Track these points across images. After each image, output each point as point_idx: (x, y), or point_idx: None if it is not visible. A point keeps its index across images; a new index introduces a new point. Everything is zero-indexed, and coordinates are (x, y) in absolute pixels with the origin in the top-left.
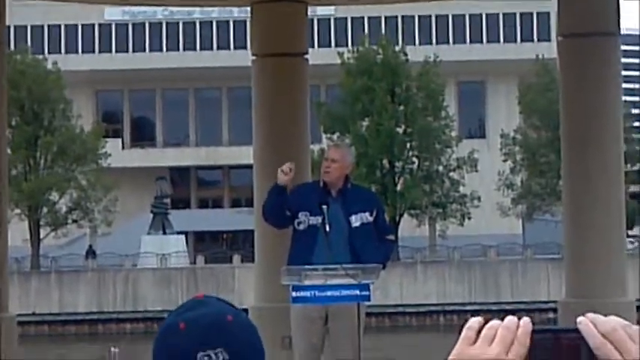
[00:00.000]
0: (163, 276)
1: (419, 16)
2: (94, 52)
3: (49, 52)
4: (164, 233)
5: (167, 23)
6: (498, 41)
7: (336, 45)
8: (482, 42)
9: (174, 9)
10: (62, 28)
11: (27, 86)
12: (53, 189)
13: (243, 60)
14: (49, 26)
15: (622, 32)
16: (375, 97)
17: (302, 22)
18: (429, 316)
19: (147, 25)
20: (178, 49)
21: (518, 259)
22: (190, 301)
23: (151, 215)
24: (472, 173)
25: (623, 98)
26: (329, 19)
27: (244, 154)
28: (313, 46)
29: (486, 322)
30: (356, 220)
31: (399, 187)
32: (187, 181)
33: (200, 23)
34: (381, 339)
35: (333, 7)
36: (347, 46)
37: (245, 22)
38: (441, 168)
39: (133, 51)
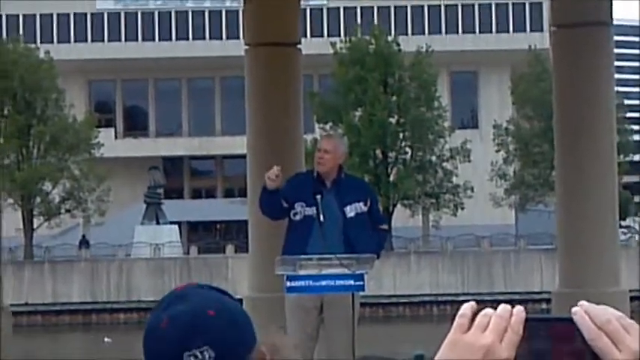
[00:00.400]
0: (157, 266)
1: (411, 6)
2: (86, 41)
3: (41, 42)
4: (157, 223)
5: (159, 13)
6: (491, 31)
7: (329, 35)
8: (474, 32)
9: None
10: (54, 17)
11: (19, 75)
12: (46, 179)
13: (236, 50)
14: (41, 15)
15: (615, 23)
16: (367, 87)
17: (295, 11)
18: (423, 306)
19: (139, 15)
20: (171, 39)
21: (512, 250)
22: (170, 295)
23: (144, 205)
24: (465, 163)
25: (616, 89)
26: (321, 9)
27: (237, 144)
28: (306, 36)
29: (479, 309)
30: (350, 211)
31: (392, 178)
32: (180, 171)
33: (192, 13)
34: (374, 329)
35: None
36: (339, 36)
37: (237, 11)
38: (434, 158)
39: (126, 40)
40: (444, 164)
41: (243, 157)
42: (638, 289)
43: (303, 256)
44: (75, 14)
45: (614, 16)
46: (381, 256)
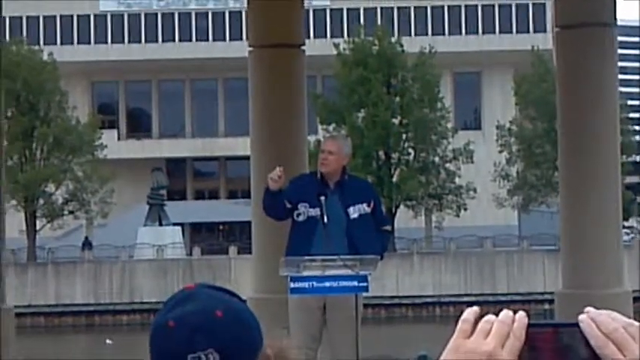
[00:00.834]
0: (160, 267)
1: (414, 7)
2: (89, 43)
3: (44, 43)
4: (160, 224)
5: (163, 14)
6: (494, 32)
7: (332, 36)
8: (478, 33)
9: (170, 0)
10: (58, 18)
11: (22, 77)
12: (49, 180)
13: (239, 51)
14: (44, 17)
15: (618, 23)
16: (370, 88)
17: (298, 13)
18: (425, 307)
19: (142, 16)
20: (174, 40)
21: (514, 251)
22: (180, 294)
23: (147, 206)
24: (468, 164)
25: (619, 89)
26: (324, 10)
27: (240, 146)
28: (309, 37)
29: (482, 315)
30: (354, 212)
31: (394, 179)
32: (183, 172)
33: (196, 14)
34: (377, 330)
35: None
36: (342, 37)
37: (240, 12)
38: (437, 159)
39: (129, 42)
40: (447, 165)
41: (247, 158)
42: None
43: (306, 257)
44: (78, 16)
45: (618, 16)
46: (384, 257)
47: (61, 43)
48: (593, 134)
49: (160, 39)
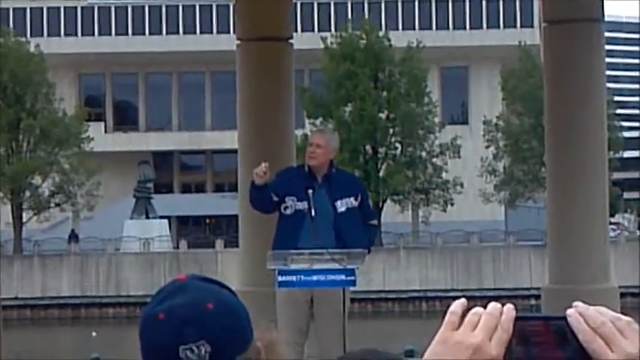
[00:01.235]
0: (146, 260)
1: (402, 2)
2: (76, 35)
3: (31, 35)
4: (147, 218)
5: (150, 7)
6: (481, 27)
7: (319, 30)
8: (465, 28)
9: None
10: (45, 10)
11: (9, 69)
12: (36, 172)
13: (226, 44)
14: (31, 9)
15: (606, 19)
16: (358, 82)
17: (286, 6)
18: (412, 302)
19: (129, 9)
20: (161, 33)
21: (501, 246)
22: (170, 286)
23: (134, 199)
24: (455, 159)
25: (607, 85)
26: (312, 4)
27: (227, 139)
28: (296, 31)
29: (469, 307)
30: (341, 205)
31: (381, 173)
32: (170, 165)
33: (183, 7)
34: (364, 325)
35: None
36: (330, 31)
37: (228, 6)
38: (424, 154)
39: (116, 34)
40: (434, 160)
41: (234, 151)
42: (627, 285)
43: (294, 251)
44: (65, 8)
45: (605, 12)
46: (371, 251)
47: (48, 35)
48: (580, 130)
49: (147, 31)
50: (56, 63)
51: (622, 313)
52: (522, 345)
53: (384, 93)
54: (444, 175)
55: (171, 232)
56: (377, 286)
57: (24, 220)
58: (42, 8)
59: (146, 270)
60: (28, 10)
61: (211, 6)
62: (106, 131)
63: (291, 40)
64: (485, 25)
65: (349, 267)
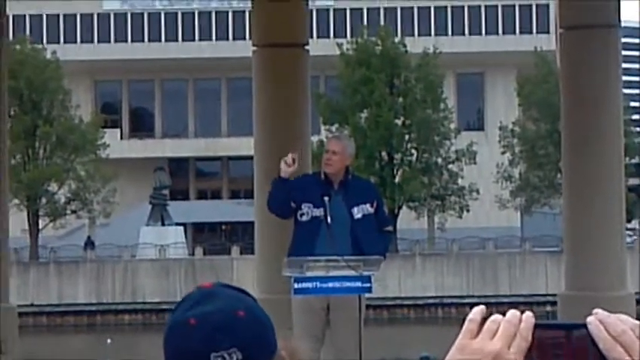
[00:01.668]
0: (162, 267)
1: (418, 8)
2: (92, 42)
3: (47, 42)
4: (163, 224)
5: (166, 13)
6: (497, 33)
7: (335, 36)
8: (481, 34)
9: None
10: (61, 17)
11: (26, 76)
12: (52, 179)
13: (242, 51)
14: (47, 16)
15: (621, 25)
16: (373, 88)
17: (302, 12)
18: (427, 308)
19: (145, 16)
20: (177, 40)
21: (517, 252)
22: (198, 293)
23: (150, 206)
24: (471, 165)
25: (623, 91)
26: (328, 10)
27: (243, 146)
28: (312, 37)
29: (489, 314)
30: (358, 212)
31: (397, 179)
32: (186, 172)
33: (199, 13)
34: (379, 331)
35: None
36: (346, 37)
37: (244, 12)
38: (439, 160)
39: (132, 41)
40: (450, 166)
41: (249, 158)
42: None
43: (310, 258)
44: (81, 15)
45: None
46: (386, 257)
47: (65, 42)
48: (596, 136)
49: (163, 38)
50: (72, 70)
51: (638, 319)
52: (541, 354)
53: (400, 99)
54: (459, 181)
55: (187, 239)
56: (393, 293)
57: (40, 226)
58: (58, 15)
59: (162, 277)
60: (45, 17)
61: (227, 12)
62: (121, 138)
63: (307, 47)
64: (501, 31)
65: (365, 274)
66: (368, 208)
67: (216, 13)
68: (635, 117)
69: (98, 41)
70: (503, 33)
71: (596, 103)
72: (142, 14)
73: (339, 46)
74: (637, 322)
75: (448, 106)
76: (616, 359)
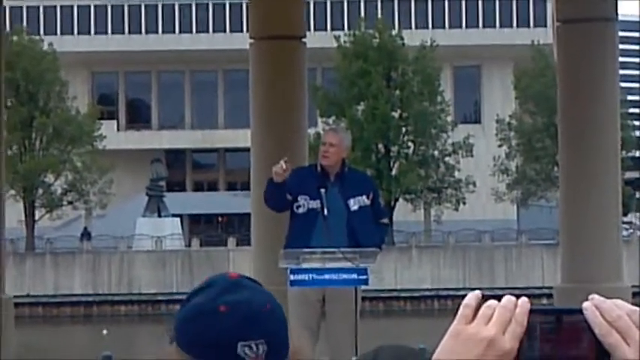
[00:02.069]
0: (158, 258)
1: (415, 0)
2: (89, 33)
3: (44, 33)
4: (159, 216)
5: (163, 5)
6: (494, 26)
7: (333, 28)
8: (478, 27)
9: None
10: (58, 9)
11: (22, 67)
12: (48, 170)
13: (239, 43)
14: (44, 7)
15: (618, 18)
16: (370, 81)
17: (299, 5)
18: (424, 300)
19: (143, 7)
20: (174, 32)
21: (513, 245)
22: (225, 281)
23: (146, 198)
24: (467, 158)
25: (619, 84)
26: (325, 2)
27: (240, 137)
28: (309, 30)
29: (484, 300)
30: (354, 204)
31: (394, 172)
32: (183, 163)
33: (196, 5)
34: (375, 324)
35: None
36: (343, 29)
37: (241, 4)
38: (436, 153)
39: (129, 33)
40: (447, 159)
41: (246, 150)
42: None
43: (306, 250)
44: (78, 6)
45: (619, 11)
46: (383, 250)
47: (62, 33)
48: (593, 129)
49: (160, 30)
50: (69, 61)
51: None
52: (536, 339)
53: (397, 92)
54: (456, 174)
55: (184, 231)
56: (389, 285)
57: (36, 217)
58: (55, 6)
59: (158, 268)
60: (42, 9)
61: (225, 5)
62: (118, 129)
63: (304, 39)
64: (498, 24)
65: (362, 266)
66: (364, 200)
67: (213, 5)
68: (632, 110)
69: (95, 33)
70: (501, 26)
71: (593, 96)
72: (139, 6)
73: (337, 38)
74: (633, 307)
75: (445, 98)
76: (612, 344)
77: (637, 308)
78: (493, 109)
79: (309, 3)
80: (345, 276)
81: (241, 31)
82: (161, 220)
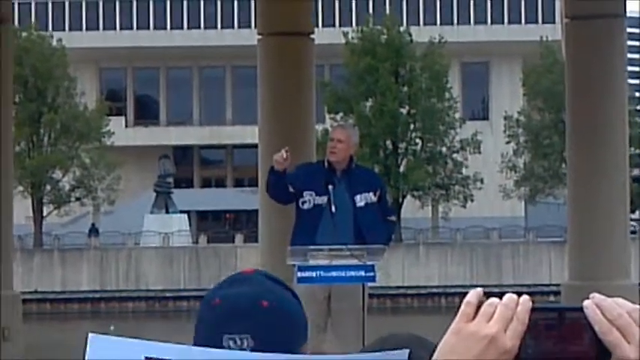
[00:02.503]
0: (166, 255)
1: None
2: (98, 29)
3: (53, 29)
4: (167, 212)
5: (172, 1)
6: (503, 23)
7: (341, 25)
8: (486, 23)
9: None
10: (66, 4)
11: (31, 63)
12: (56, 167)
13: (247, 39)
14: (53, 3)
15: (627, 15)
16: (378, 77)
17: (308, 1)
18: (431, 297)
19: (151, 3)
20: (182, 28)
21: (521, 242)
22: (235, 276)
23: (154, 194)
24: (475, 155)
25: (628, 81)
26: None
27: (248, 134)
28: (317, 26)
29: (486, 297)
30: (361, 200)
31: (402, 169)
32: (190, 160)
33: (204, 1)
34: (383, 321)
35: None
36: (351, 25)
37: (249, 0)
38: (444, 149)
39: (137, 29)
40: (454, 155)
41: (254, 146)
42: None
43: (313, 247)
44: (87, 2)
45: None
46: (390, 247)
47: (70, 29)
48: (601, 126)
49: (168, 26)
50: (77, 57)
51: None
52: (537, 337)
53: (405, 88)
54: (464, 170)
55: (191, 227)
56: (396, 282)
57: (44, 214)
58: (63, 2)
59: (166, 264)
60: (50, 5)
61: (233, 0)
62: (126, 125)
63: (312, 35)
64: (506, 21)
65: (369, 263)
66: (371, 197)
67: (221, 1)
68: None
69: (104, 29)
70: (509, 22)
71: (601, 93)
72: (148, 1)
73: (345, 34)
74: (634, 305)
75: (453, 95)
76: (612, 343)
77: (638, 306)
78: (501, 106)
79: None
80: (352, 273)
81: (249, 27)
82: (169, 216)
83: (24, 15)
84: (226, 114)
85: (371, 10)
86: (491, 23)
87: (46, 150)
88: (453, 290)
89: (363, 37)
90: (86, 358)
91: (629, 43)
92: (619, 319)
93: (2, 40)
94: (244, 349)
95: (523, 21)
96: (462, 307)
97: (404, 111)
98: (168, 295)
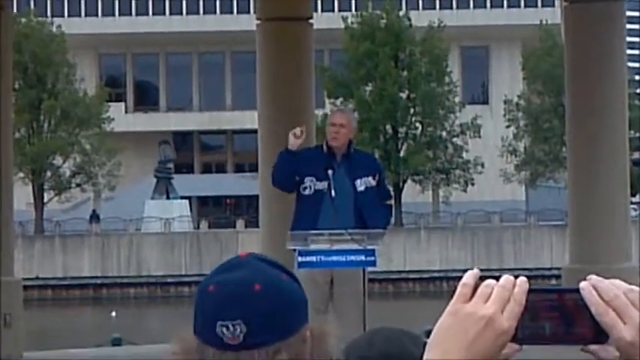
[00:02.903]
0: (167, 240)
1: None
2: (97, 15)
3: (52, 15)
4: (167, 198)
5: None
6: (502, 6)
7: (340, 9)
8: (485, 7)
9: None
10: None
11: (30, 49)
12: (57, 153)
13: (247, 24)
14: None
15: None
16: (378, 62)
17: None
18: (432, 282)
19: None
20: (182, 13)
21: (522, 226)
22: (230, 261)
23: (155, 180)
24: (475, 139)
25: (627, 64)
26: None
27: (247, 119)
28: (317, 11)
29: (482, 278)
30: (361, 185)
31: (402, 153)
32: (191, 145)
33: None
34: (384, 305)
35: None
36: (351, 10)
37: None
38: (444, 134)
39: (137, 14)
40: (455, 140)
41: (254, 131)
42: None
43: (314, 231)
44: None
45: None
46: (391, 231)
47: (69, 15)
48: (601, 109)
49: (167, 11)
50: (77, 43)
51: None
52: (534, 318)
53: (405, 72)
54: (464, 155)
55: (192, 213)
56: (397, 267)
57: (45, 200)
58: None
59: (167, 250)
60: None
61: None
62: (126, 111)
63: (311, 20)
64: (505, 4)
65: (369, 247)
66: (370, 181)
67: None
68: None
69: (103, 14)
70: (508, 6)
71: (600, 76)
72: None
73: (344, 19)
74: (631, 286)
75: (453, 79)
76: (608, 323)
77: (635, 287)
78: (501, 90)
79: None
80: (352, 257)
81: (248, 12)
82: (169, 202)
83: (23, 1)
84: (226, 99)
85: None
86: (491, 7)
87: (46, 136)
88: (454, 274)
89: (362, 22)
90: None
91: (629, 26)
92: (615, 300)
93: (2, 26)
94: (237, 336)
95: (522, 4)
96: (459, 288)
97: (404, 95)
98: (169, 280)
